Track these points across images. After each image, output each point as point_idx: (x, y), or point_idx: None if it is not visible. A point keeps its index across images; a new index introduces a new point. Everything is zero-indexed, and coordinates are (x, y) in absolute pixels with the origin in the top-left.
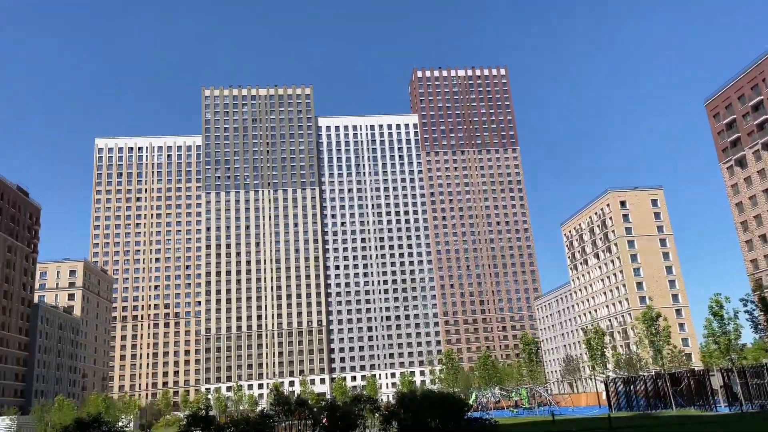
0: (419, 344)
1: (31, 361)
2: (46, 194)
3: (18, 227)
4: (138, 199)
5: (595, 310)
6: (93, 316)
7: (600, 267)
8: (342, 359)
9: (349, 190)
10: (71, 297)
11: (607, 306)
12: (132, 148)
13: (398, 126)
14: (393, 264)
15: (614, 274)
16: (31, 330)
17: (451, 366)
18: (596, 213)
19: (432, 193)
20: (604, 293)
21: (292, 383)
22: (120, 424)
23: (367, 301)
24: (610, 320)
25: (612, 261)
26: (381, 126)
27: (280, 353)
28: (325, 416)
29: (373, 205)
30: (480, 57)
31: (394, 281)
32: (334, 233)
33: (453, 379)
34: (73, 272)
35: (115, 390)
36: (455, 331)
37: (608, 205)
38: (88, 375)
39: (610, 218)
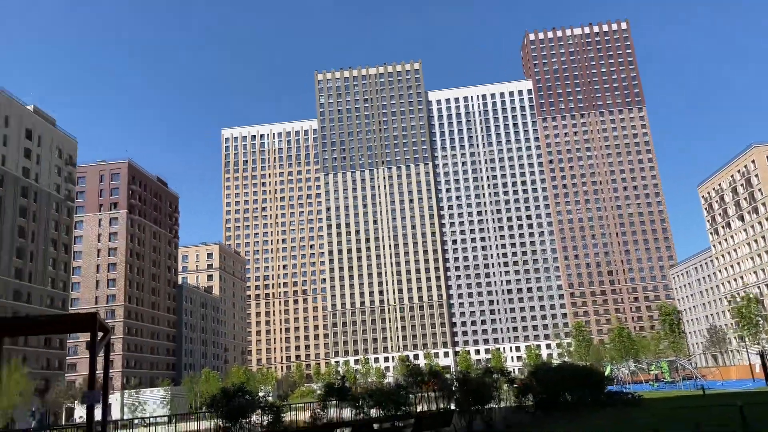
0: (544, 317)
1: (179, 338)
2: (181, 183)
3: (160, 215)
4: (263, 184)
5: (742, 277)
6: (230, 294)
7: (746, 230)
8: (464, 333)
9: (463, 163)
10: (210, 278)
11: (755, 272)
12: (255, 136)
13: (511, 93)
14: (512, 236)
15: (763, 237)
16: (178, 309)
17: (581, 339)
18: (739, 171)
19: (551, 161)
20: (752, 258)
21: (416, 356)
22: (261, 394)
23: (487, 275)
24: (759, 287)
25: (760, 222)
26: (493, 95)
27: (403, 327)
28: (458, 387)
29: (488, 177)
30: (597, 12)
31: (514, 254)
32: (450, 207)
33: (584, 352)
34: (210, 255)
35: (253, 363)
36: (582, 303)
37: (753, 161)
38: (229, 349)
39: (756, 176)
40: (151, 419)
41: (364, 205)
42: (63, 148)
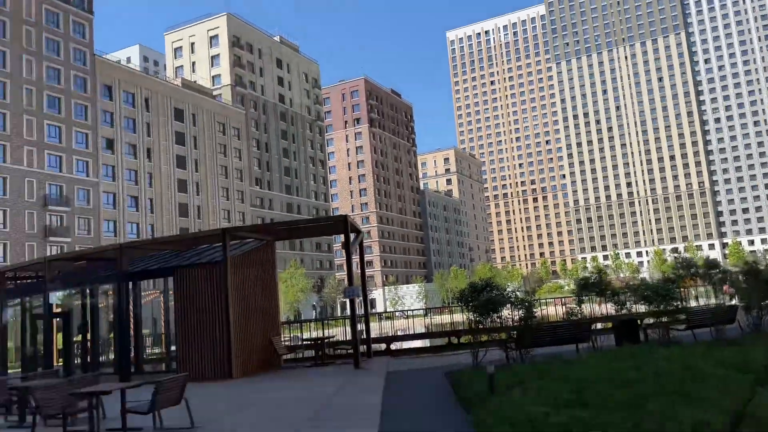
0: None
1: (426, 239)
2: (413, 93)
3: (398, 126)
4: (492, 83)
5: None
6: (468, 197)
7: None
8: (734, 222)
9: (726, 26)
10: (448, 182)
11: None
12: (479, 34)
13: None
14: None
15: None
16: (422, 212)
17: None
18: None
19: None
20: None
21: (674, 249)
22: (508, 289)
23: (762, 154)
24: None
25: None
26: None
27: (657, 220)
28: (741, 280)
29: (759, 37)
30: None
31: None
32: (710, 80)
33: None
34: (446, 160)
35: (497, 261)
36: None
37: None
38: (473, 248)
39: None
40: (409, 312)
41: (604, 91)
42: (308, 73)
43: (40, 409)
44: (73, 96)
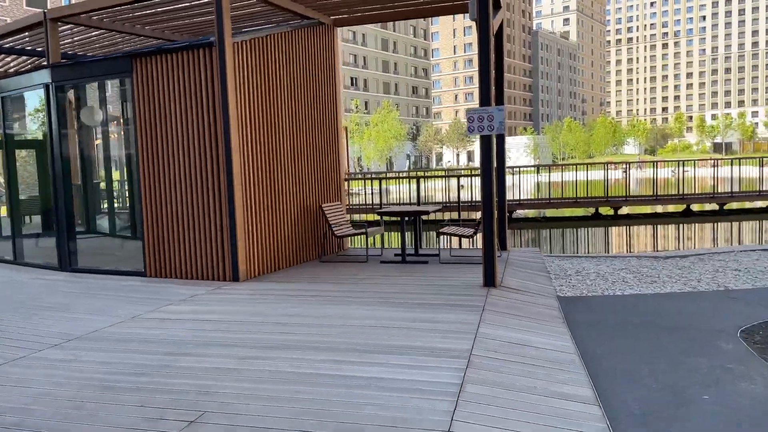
0: None
1: (535, 87)
2: None
3: None
4: None
5: None
6: (588, 40)
7: None
8: None
9: None
10: (565, 22)
11: None
12: None
13: None
14: None
15: None
16: (533, 56)
17: None
18: None
19: None
20: None
21: None
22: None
23: None
24: None
25: None
26: None
27: None
28: None
29: None
30: None
31: None
32: None
33: None
34: None
35: (611, 115)
36: None
37: None
38: (587, 100)
39: None
40: (518, 168)
41: None
42: None
43: None
44: None
